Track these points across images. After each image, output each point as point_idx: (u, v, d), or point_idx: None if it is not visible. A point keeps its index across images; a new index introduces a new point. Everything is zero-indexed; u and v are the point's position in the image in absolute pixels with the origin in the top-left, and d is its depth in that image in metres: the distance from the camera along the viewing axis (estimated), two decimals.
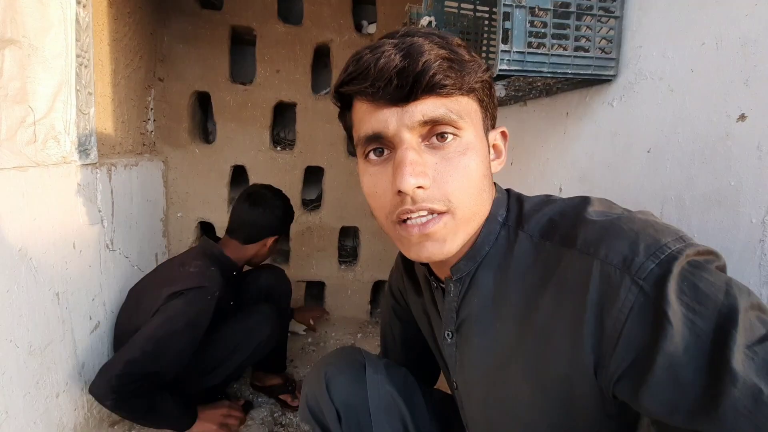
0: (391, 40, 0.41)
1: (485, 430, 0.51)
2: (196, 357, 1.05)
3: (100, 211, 1.06)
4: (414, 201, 0.40)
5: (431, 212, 0.41)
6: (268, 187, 1.25)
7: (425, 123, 0.40)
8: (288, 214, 1.25)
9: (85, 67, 0.98)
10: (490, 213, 0.47)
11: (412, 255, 0.44)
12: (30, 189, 0.79)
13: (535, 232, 0.44)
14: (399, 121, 0.40)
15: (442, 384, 0.69)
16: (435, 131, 0.41)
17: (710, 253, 0.35)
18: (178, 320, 0.94)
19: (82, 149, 0.97)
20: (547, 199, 0.47)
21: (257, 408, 1.22)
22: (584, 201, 0.43)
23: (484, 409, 0.49)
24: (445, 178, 0.40)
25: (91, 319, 1.01)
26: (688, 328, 0.32)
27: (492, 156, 0.48)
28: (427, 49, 0.39)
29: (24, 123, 0.81)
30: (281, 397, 1.23)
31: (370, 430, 0.59)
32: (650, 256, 0.34)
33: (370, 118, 0.41)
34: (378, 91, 0.40)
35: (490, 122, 0.46)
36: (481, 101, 0.44)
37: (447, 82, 0.39)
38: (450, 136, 0.41)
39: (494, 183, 0.50)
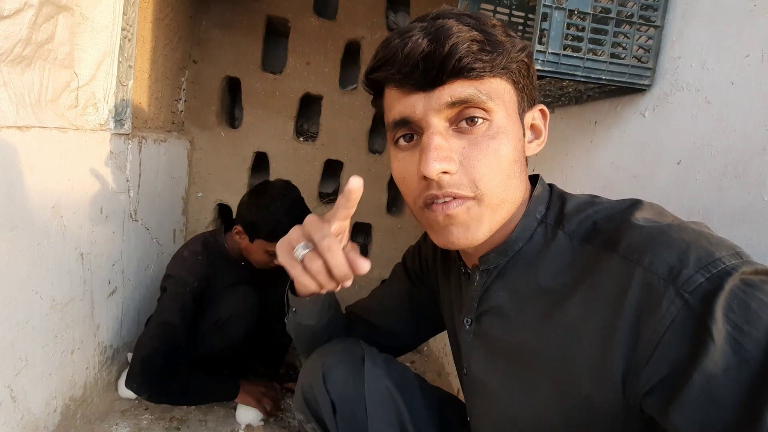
0: (420, 24, 0.40)
1: (496, 422, 0.50)
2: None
3: (128, 180, 1.10)
4: (440, 186, 0.39)
5: (456, 197, 0.40)
6: (282, 183, 1.13)
7: (453, 104, 0.39)
8: (262, 218, 1.05)
9: (129, 41, 1.02)
10: (528, 208, 0.45)
11: (440, 242, 0.43)
12: (67, 150, 0.82)
13: (576, 234, 0.42)
14: (426, 105, 0.39)
15: (440, 383, 0.68)
16: (464, 115, 0.39)
17: None
18: (165, 312, 1.02)
19: (118, 119, 1.01)
20: (592, 200, 0.44)
21: None
22: (633, 205, 0.41)
23: (498, 401, 0.48)
24: (472, 162, 0.39)
25: (110, 283, 1.04)
26: (732, 348, 0.30)
27: (530, 137, 0.45)
28: (456, 31, 0.37)
29: (68, 87, 0.85)
30: (286, 385, 1.27)
31: (364, 424, 0.57)
32: (701, 269, 0.32)
33: (399, 103, 0.41)
34: (405, 77, 0.39)
35: (527, 103, 0.44)
36: (516, 82, 0.42)
37: (476, 65, 0.38)
38: (479, 120, 0.40)
39: (538, 176, 0.48)
